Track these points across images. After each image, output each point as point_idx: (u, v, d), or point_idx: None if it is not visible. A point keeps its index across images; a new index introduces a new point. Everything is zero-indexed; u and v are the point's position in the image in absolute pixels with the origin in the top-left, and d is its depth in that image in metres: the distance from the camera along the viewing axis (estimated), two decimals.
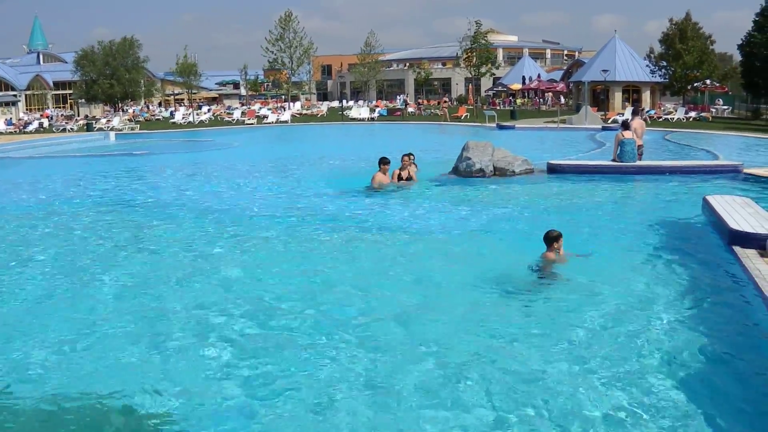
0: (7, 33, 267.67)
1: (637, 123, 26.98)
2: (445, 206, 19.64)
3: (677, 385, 7.76)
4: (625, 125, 25.83)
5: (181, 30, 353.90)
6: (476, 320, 10.05)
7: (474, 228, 16.69)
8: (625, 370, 8.17)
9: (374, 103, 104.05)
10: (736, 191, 19.53)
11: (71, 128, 70.50)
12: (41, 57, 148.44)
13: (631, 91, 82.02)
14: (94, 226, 18.20)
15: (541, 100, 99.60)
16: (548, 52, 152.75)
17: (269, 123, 74.95)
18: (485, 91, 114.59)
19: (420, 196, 21.04)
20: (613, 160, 25.28)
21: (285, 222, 17.90)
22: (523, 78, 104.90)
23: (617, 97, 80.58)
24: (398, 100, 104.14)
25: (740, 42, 62.97)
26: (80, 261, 14.26)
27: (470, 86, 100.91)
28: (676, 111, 65.46)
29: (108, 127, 69.64)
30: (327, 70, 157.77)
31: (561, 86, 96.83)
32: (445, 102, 77.37)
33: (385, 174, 21.86)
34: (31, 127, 74.14)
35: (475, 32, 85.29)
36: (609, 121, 58.57)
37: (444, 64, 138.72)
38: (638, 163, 25.09)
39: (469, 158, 24.70)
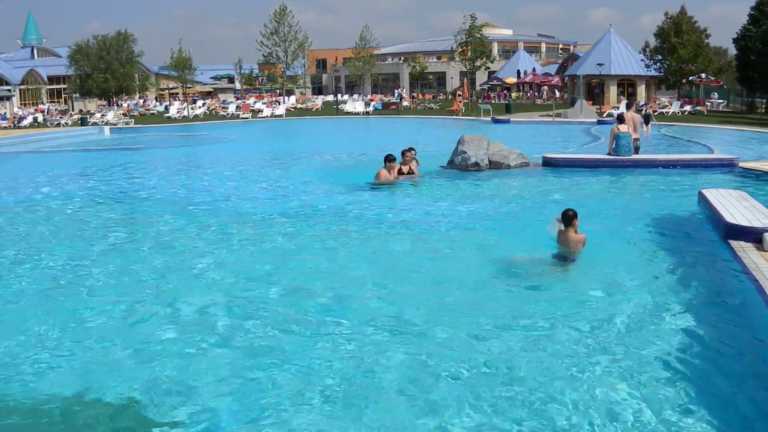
0: (1, 27, 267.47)
1: (629, 116, 26.94)
2: (442, 199, 19.64)
3: (672, 378, 7.74)
4: (621, 119, 25.81)
5: (175, 24, 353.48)
6: (481, 311, 10.02)
7: (470, 220, 16.67)
8: (619, 363, 8.14)
9: (369, 97, 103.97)
10: (732, 185, 19.53)
11: (66, 123, 70.31)
12: (35, 51, 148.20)
13: (626, 85, 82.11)
14: (87, 220, 18.14)
15: (537, 93, 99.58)
16: (543, 45, 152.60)
17: (264, 117, 74.93)
18: (480, 85, 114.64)
19: (418, 190, 20.99)
20: (609, 154, 25.26)
21: (280, 217, 17.85)
22: (518, 72, 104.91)
23: (612, 90, 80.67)
24: (396, 94, 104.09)
25: (735, 36, 63.12)
26: (73, 255, 14.20)
27: (465, 80, 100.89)
28: (671, 105, 65.50)
29: (102, 121, 69.59)
30: (322, 64, 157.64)
31: (556, 80, 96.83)
32: (459, 96, 76.33)
33: (390, 171, 21.67)
34: (25, 122, 73.94)
35: (470, 26, 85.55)
36: (604, 115, 58.59)
37: (439, 58, 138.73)
38: (633, 156, 25.08)
39: (465, 152, 24.70)
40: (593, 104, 69.04)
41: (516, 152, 25.44)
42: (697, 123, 50.77)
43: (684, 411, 7.05)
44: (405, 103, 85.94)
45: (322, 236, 15.48)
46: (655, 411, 7.03)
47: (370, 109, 79.61)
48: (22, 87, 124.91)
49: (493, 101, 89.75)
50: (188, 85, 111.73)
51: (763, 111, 64.46)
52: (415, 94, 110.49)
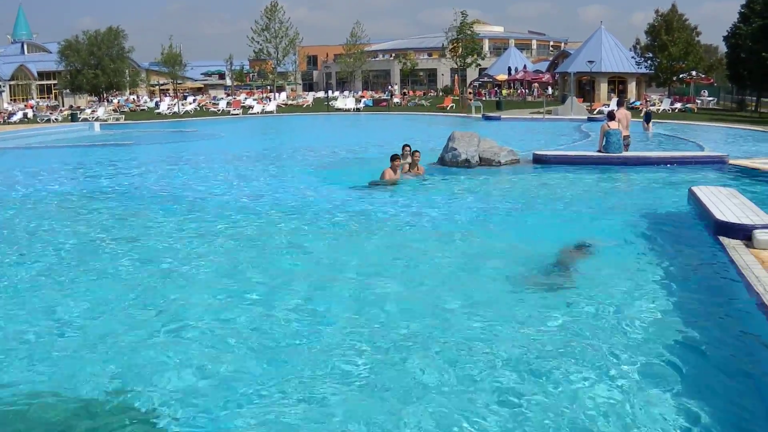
0: None
1: (621, 113, 26.98)
2: (434, 196, 19.63)
3: (660, 374, 7.73)
4: (611, 116, 25.83)
5: (166, 20, 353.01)
6: (475, 306, 10.01)
7: (462, 217, 16.67)
8: (608, 360, 8.13)
9: (360, 93, 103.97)
10: (722, 182, 19.55)
11: (56, 118, 70.15)
12: (25, 47, 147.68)
13: (617, 82, 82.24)
14: (76, 217, 18.12)
15: (527, 91, 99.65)
16: (534, 42, 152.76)
17: (255, 113, 74.91)
18: (471, 82, 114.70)
19: (410, 187, 20.94)
20: (599, 151, 25.29)
21: (268, 213, 17.85)
22: (509, 69, 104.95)
23: (603, 88, 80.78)
24: (386, 92, 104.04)
25: (726, 33, 63.21)
26: (62, 251, 14.15)
27: (456, 77, 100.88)
28: (661, 102, 65.56)
29: (93, 117, 69.39)
30: (313, 61, 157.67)
31: (547, 77, 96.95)
32: (470, 93, 75.72)
33: (395, 171, 21.41)
34: (15, 118, 73.70)
35: (460, 23, 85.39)
36: (595, 112, 58.68)
37: (430, 55, 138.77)
38: (624, 153, 25.10)
39: (455, 148, 24.69)
40: (584, 101, 69.12)
41: (506, 149, 25.44)
42: (687, 120, 50.86)
43: (670, 407, 7.04)
44: (396, 100, 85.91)
45: (310, 233, 15.46)
46: (642, 408, 7.03)
47: (361, 105, 79.61)
48: (12, 83, 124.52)
49: (484, 98, 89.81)
50: (179, 81, 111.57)
51: (753, 109, 64.58)
52: (405, 91, 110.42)
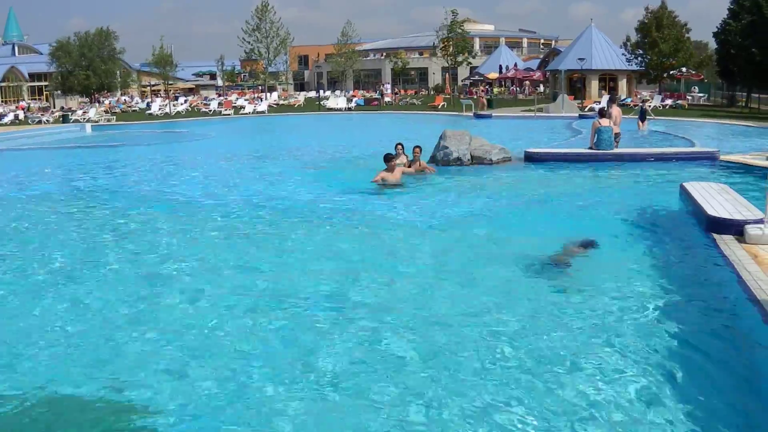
0: None
1: (615, 111, 27.02)
2: (426, 195, 19.62)
3: (652, 371, 7.74)
4: (602, 113, 25.85)
5: (157, 20, 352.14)
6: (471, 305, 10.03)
7: (455, 215, 16.68)
8: (600, 357, 8.14)
9: (351, 92, 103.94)
10: (713, 178, 19.60)
11: (47, 120, 70.06)
12: (16, 48, 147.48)
13: (608, 80, 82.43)
14: (66, 218, 18.09)
15: (518, 89, 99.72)
16: (525, 41, 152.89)
17: (246, 114, 74.87)
18: (462, 81, 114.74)
19: (405, 186, 20.91)
20: (590, 148, 25.32)
21: (270, 215, 17.84)
22: (500, 67, 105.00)
23: (594, 85, 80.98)
24: (386, 88, 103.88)
25: (715, 30, 63.38)
26: (52, 252, 14.12)
27: (447, 75, 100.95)
28: (652, 99, 65.69)
29: (84, 118, 69.31)
30: (304, 60, 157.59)
31: (538, 75, 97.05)
32: (484, 92, 75.38)
33: (392, 171, 20.88)
34: (6, 120, 73.53)
35: (451, 21, 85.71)
36: (586, 110, 58.78)
37: (421, 54, 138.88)
38: (615, 150, 25.15)
39: (447, 147, 24.69)
40: (575, 99, 69.20)
41: (498, 147, 25.45)
42: (678, 117, 50.99)
43: (662, 402, 7.06)
44: (387, 99, 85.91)
45: (302, 231, 15.46)
46: (632, 405, 7.04)
47: (352, 105, 79.63)
48: (3, 84, 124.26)
49: (475, 96, 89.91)
50: (170, 82, 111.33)
51: (743, 104, 64.75)
52: (396, 90, 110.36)
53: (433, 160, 24.85)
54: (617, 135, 26.02)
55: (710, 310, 9.67)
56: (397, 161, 22.16)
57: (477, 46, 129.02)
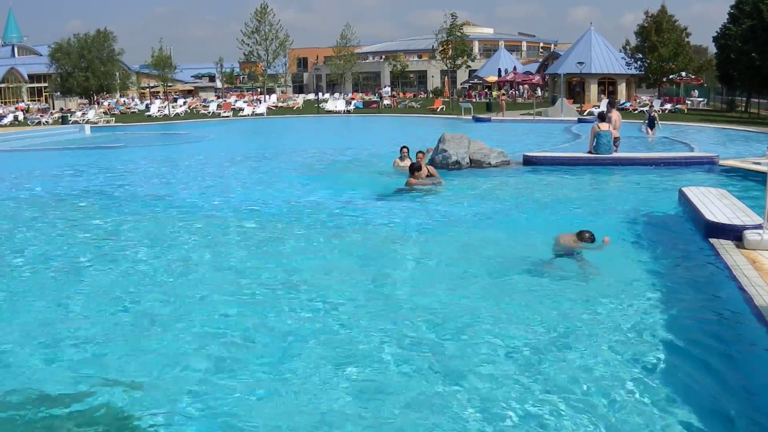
0: None
1: (615, 115, 26.99)
2: (424, 198, 19.59)
3: (651, 375, 7.73)
4: (602, 117, 25.83)
5: (156, 22, 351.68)
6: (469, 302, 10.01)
7: (454, 218, 16.67)
8: (599, 360, 8.13)
9: (350, 95, 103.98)
10: (712, 183, 19.57)
11: (46, 121, 70.00)
12: (16, 50, 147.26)
13: (607, 84, 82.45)
14: (64, 219, 18.05)
15: (517, 92, 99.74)
16: (524, 44, 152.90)
17: (245, 116, 74.86)
18: (461, 84, 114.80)
19: (397, 189, 20.91)
20: (589, 152, 25.31)
21: (263, 218, 17.83)
22: (499, 70, 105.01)
23: (593, 89, 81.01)
24: (385, 92, 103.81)
25: (715, 34, 63.30)
26: (50, 253, 14.10)
27: (446, 79, 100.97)
28: (652, 103, 65.64)
29: (83, 120, 69.25)
30: (303, 63, 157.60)
31: (537, 78, 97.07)
32: (503, 94, 75.20)
33: (421, 176, 20.63)
34: (5, 121, 73.44)
35: (450, 25, 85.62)
36: (585, 114, 58.79)
37: (420, 57, 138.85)
38: (614, 155, 25.13)
39: (446, 150, 24.70)
40: (574, 103, 69.24)
41: (497, 150, 25.45)
42: (677, 121, 50.96)
43: (660, 406, 7.05)
44: (386, 102, 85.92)
45: (304, 236, 15.44)
46: (627, 410, 7.04)
47: (351, 107, 79.65)
48: (3, 85, 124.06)
49: (474, 100, 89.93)
50: (169, 84, 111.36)
51: (743, 109, 64.76)
52: (395, 93, 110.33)
53: (431, 163, 24.81)
54: (616, 139, 26.00)
55: (709, 316, 9.65)
56: (402, 164, 22.27)
57: (476, 50, 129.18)
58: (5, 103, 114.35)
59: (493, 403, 7.26)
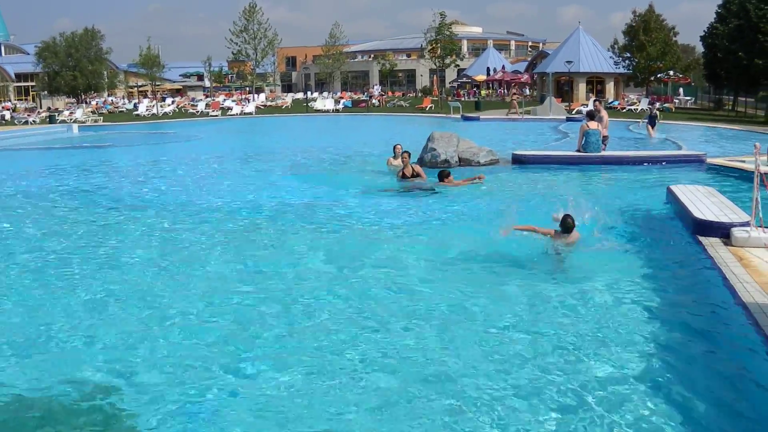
0: None
1: (603, 114, 27.03)
2: (413, 196, 19.62)
3: (639, 373, 7.77)
4: (591, 115, 25.88)
5: (144, 21, 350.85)
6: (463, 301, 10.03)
7: (443, 216, 16.71)
8: (584, 359, 8.17)
9: (339, 94, 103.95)
10: (700, 181, 19.63)
11: (33, 121, 69.78)
12: (2, 48, 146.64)
13: (595, 82, 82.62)
14: (51, 219, 18.02)
15: (506, 91, 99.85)
16: (513, 43, 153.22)
17: (234, 115, 74.76)
18: (450, 83, 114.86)
19: (388, 188, 20.92)
20: (578, 151, 25.35)
21: (253, 217, 17.82)
22: (488, 69, 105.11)
23: (581, 88, 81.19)
24: (375, 90, 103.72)
25: (703, 33, 63.51)
26: (38, 255, 14.07)
27: (435, 77, 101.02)
28: (639, 102, 65.82)
29: (71, 119, 69.06)
30: (291, 62, 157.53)
31: (525, 77, 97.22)
32: (515, 94, 74.89)
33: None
34: None
35: (439, 23, 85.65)
36: (573, 112, 58.90)
37: (409, 56, 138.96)
38: (602, 153, 25.17)
39: (434, 149, 24.73)
40: (562, 102, 69.35)
41: (485, 149, 25.49)
42: (665, 120, 51.03)
43: (644, 406, 7.08)
44: (375, 101, 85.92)
45: (293, 234, 15.45)
46: (615, 407, 7.06)
47: (340, 106, 79.64)
48: None
49: (463, 99, 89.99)
50: (157, 83, 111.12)
51: (730, 107, 64.98)
52: (382, 92, 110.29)
53: (420, 162, 24.82)
54: (605, 138, 26.04)
55: (696, 313, 9.70)
56: (395, 162, 22.31)
57: (465, 49, 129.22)
58: None
59: (489, 400, 7.29)
